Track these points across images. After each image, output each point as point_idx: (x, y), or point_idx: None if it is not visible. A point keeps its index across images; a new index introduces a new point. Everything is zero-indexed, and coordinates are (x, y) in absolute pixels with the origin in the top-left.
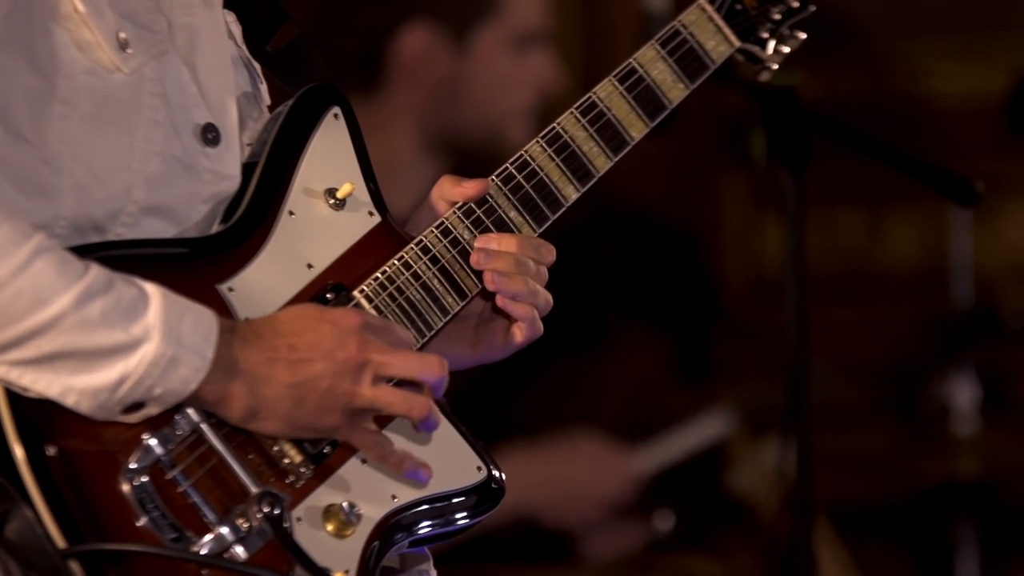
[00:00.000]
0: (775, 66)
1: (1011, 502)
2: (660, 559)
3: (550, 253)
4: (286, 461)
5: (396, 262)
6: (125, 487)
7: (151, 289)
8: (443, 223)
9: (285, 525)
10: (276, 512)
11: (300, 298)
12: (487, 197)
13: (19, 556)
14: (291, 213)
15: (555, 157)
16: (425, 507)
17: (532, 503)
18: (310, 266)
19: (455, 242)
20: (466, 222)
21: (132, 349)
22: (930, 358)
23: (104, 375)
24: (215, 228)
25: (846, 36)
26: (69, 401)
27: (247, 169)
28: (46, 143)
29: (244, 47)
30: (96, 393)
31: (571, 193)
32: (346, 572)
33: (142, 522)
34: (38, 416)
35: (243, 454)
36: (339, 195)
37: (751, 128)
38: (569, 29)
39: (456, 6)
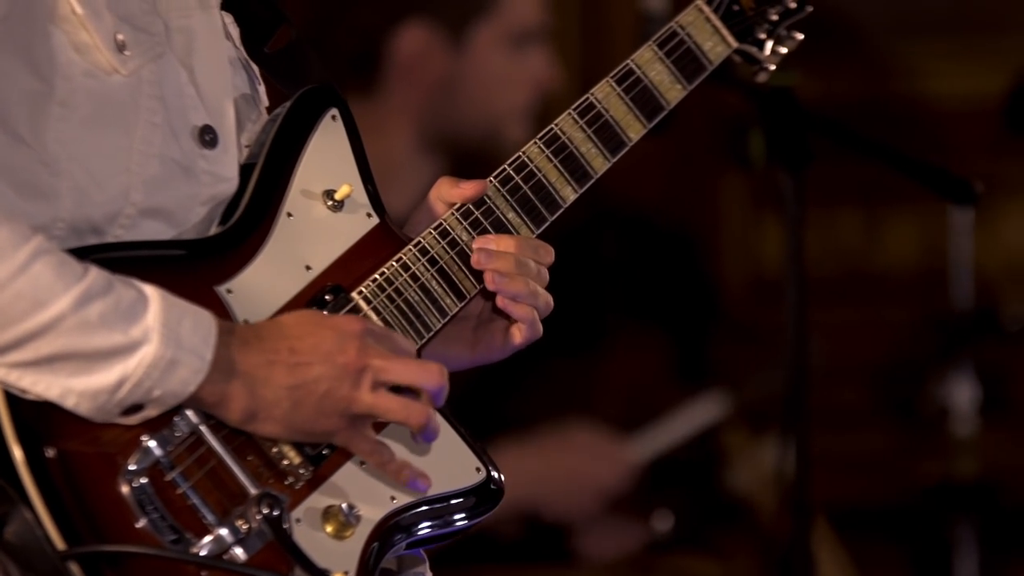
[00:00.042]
0: (773, 67)
1: (1010, 502)
2: (659, 559)
3: (549, 254)
4: (285, 463)
5: (394, 263)
6: (124, 489)
7: (150, 291)
8: (441, 224)
9: (284, 526)
10: (275, 513)
11: (298, 300)
12: (485, 198)
13: (18, 558)
14: (289, 215)
15: (553, 158)
16: (424, 508)
17: (530, 497)
18: (308, 268)
19: (453, 243)
20: (464, 223)
21: (131, 351)
22: (929, 359)
23: (103, 377)
24: (213, 230)
25: (844, 37)
26: (68, 403)
27: (245, 171)
28: (44, 145)
29: (242, 49)
30: (95, 395)
31: (569, 194)
32: (345, 573)
33: (141, 524)
34: (37, 418)
35: (242, 456)
36: (337, 197)
37: (750, 129)
38: (568, 29)
39: (453, 5)
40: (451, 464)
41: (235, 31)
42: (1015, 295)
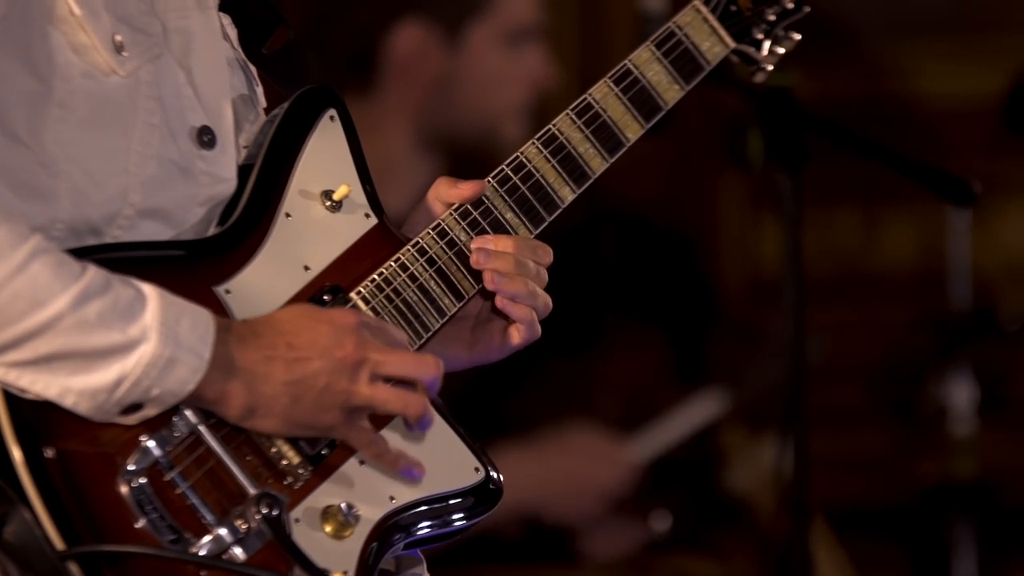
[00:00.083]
0: (770, 67)
1: (1009, 502)
2: (657, 560)
3: (547, 255)
4: (284, 462)
5: (393, 264)
6: (123, 489)
7: (148, 290)
8: (440, 225)
9: (283, 526)
10: (275, 513)
11: (297, 300)
12: (483, 199)
13: (18, 558)
14: (287, 215)
15: (551, 159)
16: (423, 508)
17: (531, 500)
18: (307, 268)
19: (452, 243)
20: (463, 223)
21: (130, 350)
22: (928, 359)
23: (102, 376)
24: (212, 230)
25: (842, 37)
26: (67, 402)
27: (243, 171)
28: (43, 146)
29: (240, 50)
30: (94, 394)
31: (567, 194)
32: (344, 573)
33: (140, 524)
34: (36, 418)
35: (241, 456)
36: (335, 197)
37: (748, 129)
38: (566, 30)
39: (448, 3)
40: (450, 464)
41: (233, 32)
42: (1013, 295)
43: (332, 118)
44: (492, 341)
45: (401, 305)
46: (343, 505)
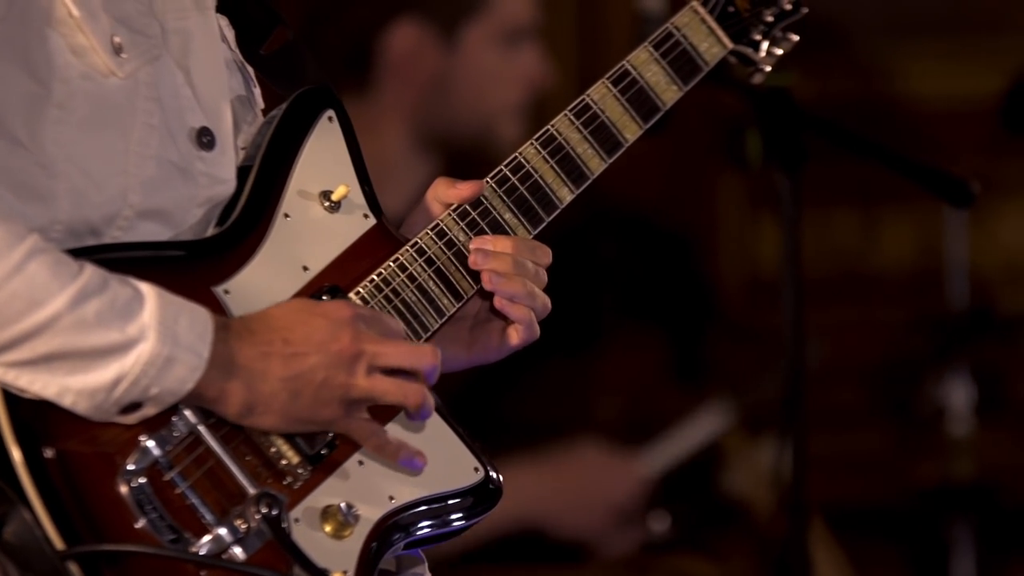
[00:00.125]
0: (768, 68)
1: (1007, 503)
2: (656, 560)
3: (546, 255)
4: (283, 462)
5: (392, 264)
6: (123, 489)
7: (146, 289)
8: (438, 225)
9: (283, 526)
10: (274, 513)
11: None
12: (482, 199)
13: (17, 558)
14: (286, 216)
15: (549, 159)
16: (423, 508)
17: (541, 514)
18: (305, 268)
19: (450, 244)
20: (461, 224)
21: (128, 349)
22: (925, 359)
23: (100, 375)
24: (210, 231)
25: (840, 38)
26: (66, 402)
27: (242, 172)
28: (42, 147)
29: (237, 51)
30: (93, 393)
31: (566, 195)
32: (344, 573)
33: (140, 523)
34: (35, 418)
35: (241, 455)
36: (334, 197)
37: (746, 129)
38: (564, 30)
39: (444, 3)
40: (449, 464)
41: (230, 33)
42: (1011, 295)
43: (330, 119)
44: (491, 342)
45: (400, 305)
46: (343, 505)
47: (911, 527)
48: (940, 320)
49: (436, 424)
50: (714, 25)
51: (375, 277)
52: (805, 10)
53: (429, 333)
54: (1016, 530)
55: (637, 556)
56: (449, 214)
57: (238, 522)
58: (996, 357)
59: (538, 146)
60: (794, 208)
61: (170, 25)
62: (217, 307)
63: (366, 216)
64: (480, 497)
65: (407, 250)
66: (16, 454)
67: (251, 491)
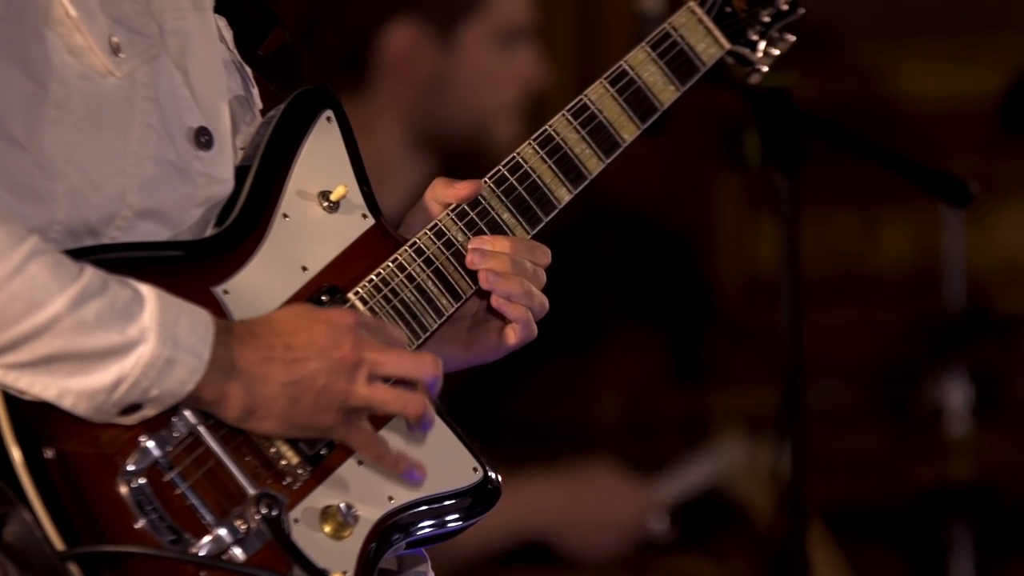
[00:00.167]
0: (765, 68)
1: (1005, 503)
2: (655, 560)
3: (545, 255)
4: (283, 463)
5: (390, 264)
6: (123, 489)
7: (146, 291)
8: (436, 225)
9: (283, 526)
10: (274, 514)
11: (295, 301)
12: (480, 199)
13: (18, 559)
14: (285, 216)
15: (547, 159)
16: (422, 508)
17: (550, 528)
18: (304, 268)
19: (449, 244)
20: (460, 224)
21: (128, 350)
22: (923, 359)
23: (101, 377)
24: (209, 231)
25: (838, 38)
26: (66, 403)
27: (240, 172)
28: (40, 148)
29: (235, 51)
30: (93, 395)
31: (564, 195)
32: (344, 573)
33: (140, 524)
34: (35, 419)
35: (240, 456)
36: (333, 198)
37: (745, 130)
38: (563, 30)
39: (441, 3)
40: (448, 464)
41: (228, 34)
42: (1009, 295)
43: (329, 119)
44: (488, 341)
45: (399, 305)
46: (342, 505)
47: (909, 527)
48: (938, 320)
49: (435, 424)
50: (711, 25)
51: (374, 277)
52: (802, 10)
53: (428, 333)
54: (1014, 530)
55: (636, 556)
56: (447, 214)
57: (238, 523)
58: (994, 357)
59: (536, 146)
60: (793, 208)
61: (168, 25)
62: (216, 308)
63: (365, 216)
64: (479, 497)
65: (406, 250)
66: (16, 454)
67: (251, 492)
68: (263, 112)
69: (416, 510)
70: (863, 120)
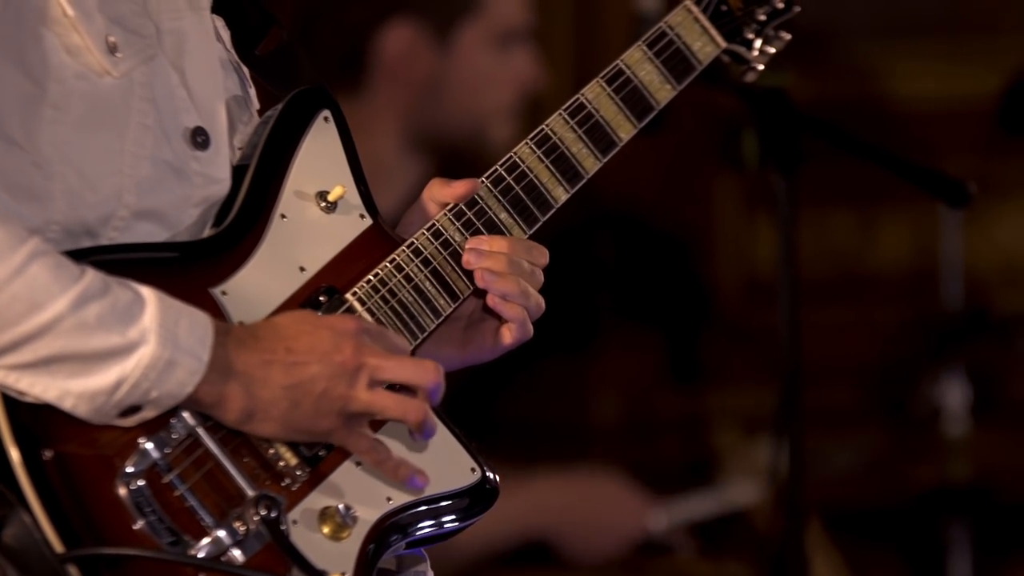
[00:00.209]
0: (761, 66)
1: (1003, 503)
2: (653, 560)
3: (543, 256)
4: (281, 464)
5: (388, 264)
6: (122, 491)
7: (147, 292)
8: (434, 225)
9: (282, 528)
10: (273, 515)
11: (293, 301)
12: (477, 199)
13: (17, 561)
14: (283, 216)
15: (544, 159)
16: (420, 509)
17: (551, 530)
18: (302, 269)
19: (446, 244)
20: (457, 224)
21: (129, 352)
22: (921, 359)
23: (101, 378)
24: (207, 232)
25: (836, 39)
26: (66, 405)
27: (238, 173)
28: (37, 147)
29: (233, 51)
30: (93, 396)
31: (561, 194)
32: (343, 574)
33: (139, 526)
34: (34, 420)
35: (239, 457)
36: (330, 198)
37: (743, 130)
38: (561, 31)
39: (438, 4)
40: (446, 465)
41: (226, 34)
42: (1007, 296)
43: (326, 119)
44: (484, 341)
45: (397, 306)
46: (341, 506)
47: (907, 528)
48: (936, 320)
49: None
50: (707, 24)
51: (372, 278)
52: (797, 8)
53: (426, 333)
54: (1013, 530)
55: (634, 556)
56: (445, 214)
57: (237, 524)
58: (992, 357)
59: (533, 145)
60: (791, 209)
61: (165, 25)
62: (214, 309)
63: (362, 216)
64: (477, 497)
65: (403, 250)
66: (15, 456)
67: (250, 493)
68: (260, 112)
69: (414, 511)
70: (861, 120)
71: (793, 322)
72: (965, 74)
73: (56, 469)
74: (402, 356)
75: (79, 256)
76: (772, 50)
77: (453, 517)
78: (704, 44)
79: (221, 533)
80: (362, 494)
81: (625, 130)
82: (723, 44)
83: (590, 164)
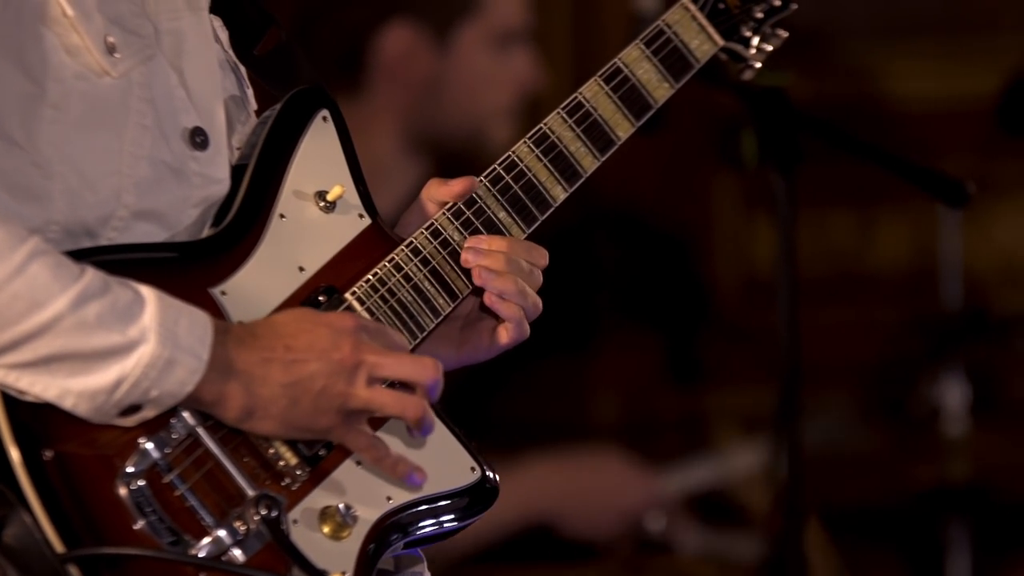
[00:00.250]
0: (758, 64)
1: (1002, 503)
2: (652, 560)
3: (542, 256)
4: (282, 464)
5: (387, 264)
6: (122, 491)
7: (147, 292)
8: (433, 224)
9: (282, 527)
10: (273, 515)
11: (292, 301)
12: (476, 198)
13: (17, 561)
14: (282, 216)
15: (543, 157)
16: (420, 508)
17: (553, 511)
18: (302, 269)
19: (445, 243)
20: (456, 223)
21: (129, 351)
22: (920, 359)
23: (101, 377)
24: (206, 232)
25: (835, 38)
26: (67, 404)
27: (237, 172)
28: (37, 147)
29: (231, 51)
30: (94, 395)
31: (559, 193)
32: (343, 573)
33: (139, 526)
34: (34, 420)
35: (239, 457)
36: (329, 198)
37: (742, 129)
38: (559, 32)
39: (438, 5)
40: (446, 464)
41: (224, 34)
42: (1006, 295)
43: (325, 119)
44: (480, 341)
45: (396, 305)
46: (341, 506)
47: (907, 527)
48: (935, 320)
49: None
50: (705, 22)
51: (371, 277)
52: (794, 6)
53: (425, 333)
54: (1011, 530)
55: (633, 555)
56: (443, 213)
57: (237, 524)
58: (991, 357)
59: (531, 144)
60: (789, 208)
61: (163, 26)
62: (214, 309)
63: (361, 216)
64: (477, 497)
65: (402, 250)
66: (15, 455)
67: (250, 493)
68: (258, 112)
69: (414, 510)
70: (860, 120)
71: (792, 322)
72: (964, 74)
73: (56, 469)
74: (400, 353)
75: (79, 256)
76: (770, 48)
77: (453, 516)
78: (702, 42)
79: (221, 533)
80: (362, 493)
81: (623, 129)
82: (721, 42)
83: (588, 163)
